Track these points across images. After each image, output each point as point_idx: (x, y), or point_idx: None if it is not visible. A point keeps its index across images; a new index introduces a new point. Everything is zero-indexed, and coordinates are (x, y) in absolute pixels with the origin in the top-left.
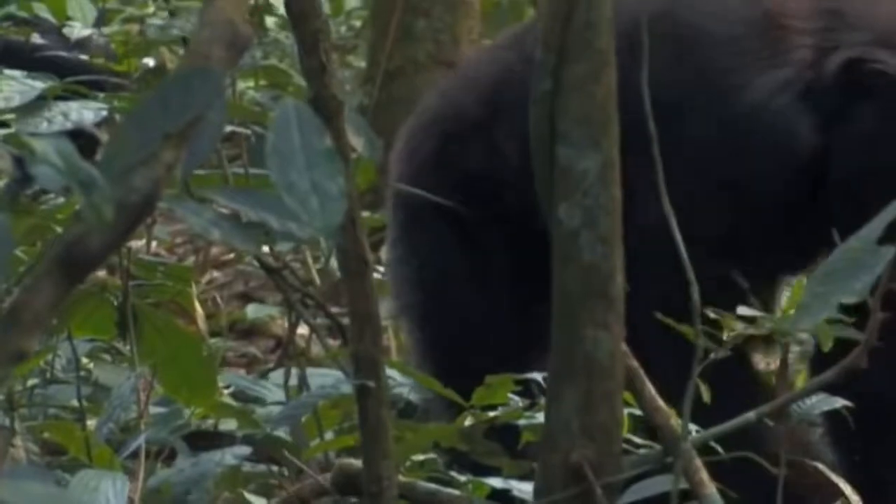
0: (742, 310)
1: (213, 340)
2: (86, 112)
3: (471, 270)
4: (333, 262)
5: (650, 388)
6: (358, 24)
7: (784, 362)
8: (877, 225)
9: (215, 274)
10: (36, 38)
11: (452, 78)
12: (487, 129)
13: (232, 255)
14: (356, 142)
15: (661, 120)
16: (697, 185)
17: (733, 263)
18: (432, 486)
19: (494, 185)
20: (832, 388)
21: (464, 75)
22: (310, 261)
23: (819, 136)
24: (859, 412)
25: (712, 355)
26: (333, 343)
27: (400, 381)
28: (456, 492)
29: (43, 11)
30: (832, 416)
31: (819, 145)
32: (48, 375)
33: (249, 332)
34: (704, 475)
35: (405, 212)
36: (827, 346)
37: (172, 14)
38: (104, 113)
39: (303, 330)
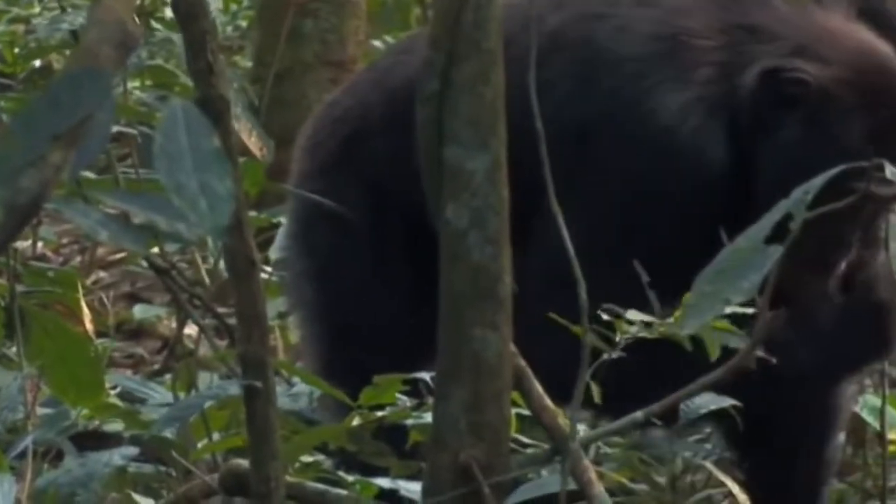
0: (632, 313)
1: (99, 341)
2: None
3: (367, 268)
4: (222, 263)
5: (538, 388)
6: (244, 24)
7: None
8: (765, 224)
9: (102, 274)
10: None
11: (362, 75)
12: (393, 129)
13: (119, 256)
14: (249, 142)
15: (571, 145)
16: (612, 209)
17: (656, 281)
18: (321, 486)
19: (396, 186)
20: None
21: (374, 74)
22: (199, 261)
23: (735, 153)
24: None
25: (604, 356)
26: (221, 344)
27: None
28: (344, 492)
29: None
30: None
31: (736, 161)
32: None
33: (136, 332)
34: (593, 474)
35: (304, 207)
36: (714, 352)
37: (63, 10)
38: None
39: (190, 330)
